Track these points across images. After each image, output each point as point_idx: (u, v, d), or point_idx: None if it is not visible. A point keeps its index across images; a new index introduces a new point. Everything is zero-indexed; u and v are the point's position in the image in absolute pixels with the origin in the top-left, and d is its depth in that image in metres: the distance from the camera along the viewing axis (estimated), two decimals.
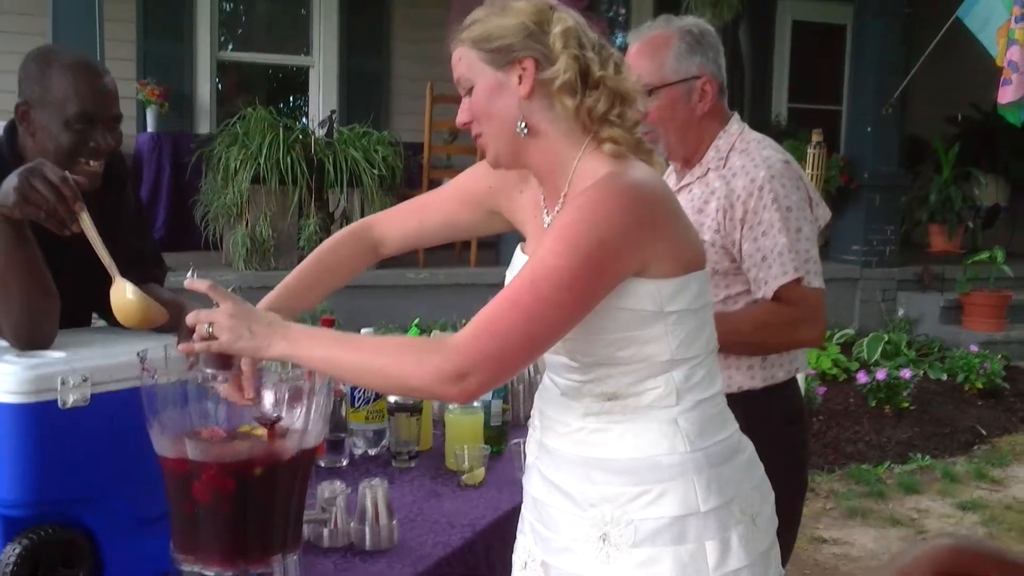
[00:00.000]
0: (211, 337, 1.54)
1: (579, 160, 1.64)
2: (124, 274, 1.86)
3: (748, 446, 1.72)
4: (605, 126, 1.61)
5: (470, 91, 1.66)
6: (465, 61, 1.65)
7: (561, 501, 1.66)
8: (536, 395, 1.79)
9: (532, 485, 1.75)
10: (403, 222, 1.99)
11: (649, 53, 2.30)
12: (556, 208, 1.67)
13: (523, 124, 1.62)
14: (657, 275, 1.55)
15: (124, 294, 1.85)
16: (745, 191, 2.23)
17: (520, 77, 1.61)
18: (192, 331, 1.58)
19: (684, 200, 2.27)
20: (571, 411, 1.65)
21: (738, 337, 2.20)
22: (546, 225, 1.70)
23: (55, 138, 2.03)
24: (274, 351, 1.53)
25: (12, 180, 1.76)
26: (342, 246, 1.98)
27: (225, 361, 1.60)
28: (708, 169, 2.31)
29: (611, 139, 1.61)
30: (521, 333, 1.48)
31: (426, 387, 1.50)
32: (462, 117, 1.68)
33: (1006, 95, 6.13)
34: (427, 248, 1.97)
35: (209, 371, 1.59)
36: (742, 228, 2.23)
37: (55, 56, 2.08)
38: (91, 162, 2.05)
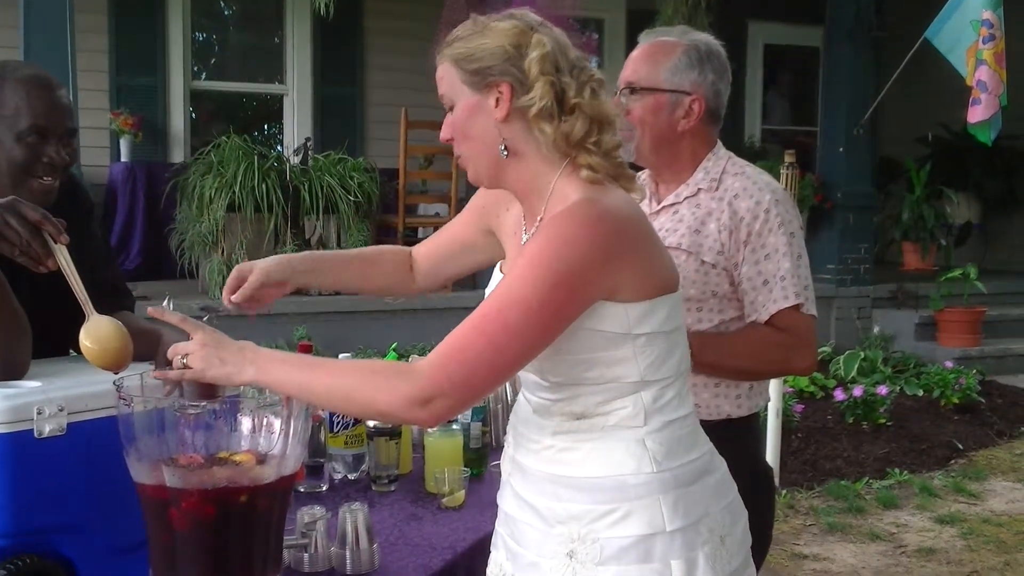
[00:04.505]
0: (185, 367, 1.55)
1: (556, 182, 1.64)
2: (99, 306, 1.78)
3: (720, 467, 1.72)
4: (582, 153, 1.61)
5: (452, 108, 1.67)
6: (447, 79, 1.66)
7: (531, 517, 1.67)
8: (511, 412, 1.80)
9: (505, 501, 1.76)
10: (427, 247, 2.08)
11: (649, 56, 2.25)
12: (533, 228, 1.68)
13: (503, 146, 1.63)
14: (625, 299, 1.55)
15: (100, 333, 1.72)
16: (750, 213, 2.18)
17: (497, 100, 1.61)
18: (169, 360, 1.58)
19: (669, 220, 2.24)
20: (542, 429, 1.66)
21: (731, 361, 2.17)
22: (523, 243, 1.71)
23: (7, 152, 2.00)
24: (244, 377, 1.54)
25: None
26: (388, 254, 2.10)
27: (208, 391, 1.60)
28: (699, 190, 2.24)
29: (588, 166, 1.61)
30: (487, 360, 1.49)
31: (393, 411, 1.51)
32: (445, 132, 1.70)
33: (976, 114, 6.20)
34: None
35: (186, 402, 1.59)
36: (744, 250, 2.18)
37: (9, 70, 2.05)
38: (45, 178, 2.03)
